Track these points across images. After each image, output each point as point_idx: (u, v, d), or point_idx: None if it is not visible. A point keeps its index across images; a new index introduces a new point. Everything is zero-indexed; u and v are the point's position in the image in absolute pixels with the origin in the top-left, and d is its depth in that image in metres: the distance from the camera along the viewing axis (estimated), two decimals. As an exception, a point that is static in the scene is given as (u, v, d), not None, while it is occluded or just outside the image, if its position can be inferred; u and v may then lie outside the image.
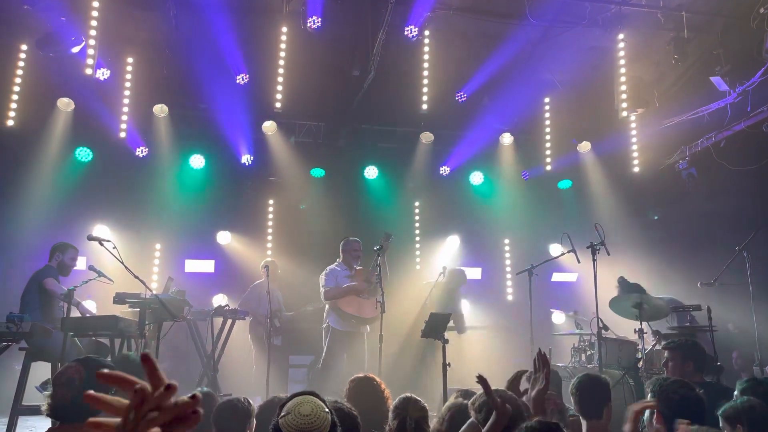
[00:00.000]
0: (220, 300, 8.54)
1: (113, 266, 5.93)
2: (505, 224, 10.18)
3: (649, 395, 3.08)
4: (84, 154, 8.66)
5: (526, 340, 6.97)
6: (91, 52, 7.70)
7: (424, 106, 8.86)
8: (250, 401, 3.44)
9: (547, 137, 10.06)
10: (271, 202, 9.70)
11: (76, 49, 7.67)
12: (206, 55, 8.24)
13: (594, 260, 6.14)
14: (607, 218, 8.28)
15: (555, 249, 8.99)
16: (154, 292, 6.02)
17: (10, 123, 8.21)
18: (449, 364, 5.14)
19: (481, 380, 2.61)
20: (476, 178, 10.16)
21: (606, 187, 9.91)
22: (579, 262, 6.60)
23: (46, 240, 6.51)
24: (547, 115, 10.06)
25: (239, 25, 8.06)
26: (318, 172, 9.63)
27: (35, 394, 5.50)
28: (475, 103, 9.40)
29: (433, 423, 3.09)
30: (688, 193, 9.33)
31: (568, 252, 6.67)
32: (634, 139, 9.69)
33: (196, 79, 8.52)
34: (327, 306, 6.87)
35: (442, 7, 8.02)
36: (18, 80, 8.23)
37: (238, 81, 8.33)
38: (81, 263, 6.85)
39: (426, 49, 8.63)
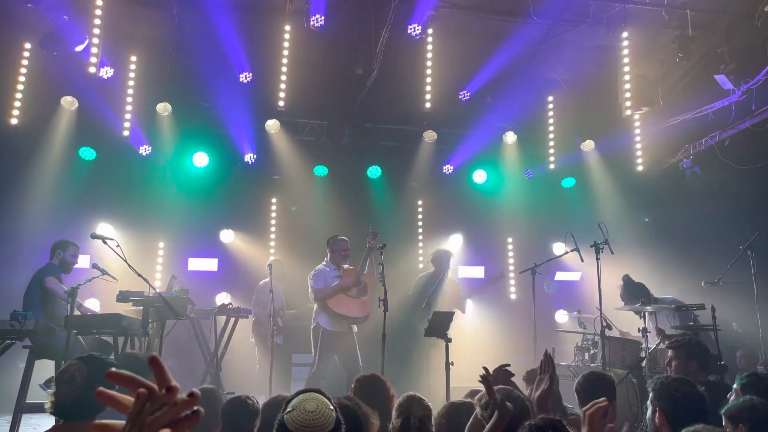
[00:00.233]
0: (223, 298, 8.55)
1: (117, 264, 5.96)
2: (508, 223, 10.15)
3: (651, 394, 3.07)
4: (87, 152, 8.68)
5: (529, 338, 6.97)
6: (94, 50, 7.73)
7: (428, 105, 8.87)
8: (257, 399, 3.45)
9: (551, 135, 10.05)
10: (274, 200, 9.71)
11: (79, 48, 7.69)
12: (209, 53, 8.24)
13: (597, 259, 6.13)
14: (610, 217, 8.24)
15: (558, 248, 8.98)
16: (158, 290, 6.04)
17: (13, 121, 8.23)
18: (452, 363, 5.14)
19: (484, 379, 2.61)
20: (479, 176, 10.12)
21: (610, 185, 9.89)
22: (582, 260, 6.59)
23: (50, 238, 6.51)
24: (551, 113, 10.04)
25: (242, 23, 8.07)
26: (321, 171, 9.63)
27: (39, 392, 5.52)
28: (478, 102, 9.40)
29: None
30: (693, 192, 9.30)
31: (572, 251, 6.66)
32: (638, 138, 9.67)
33: (200, 78, 8.54)
34: (316, 306, 6.84)
35: (446, 5, 8.00)
36: (22, 79, 8.26)
37: (241, 79, 8.34)
38: (85, 261, 6.88)
39: (429, 47, 8.63)
